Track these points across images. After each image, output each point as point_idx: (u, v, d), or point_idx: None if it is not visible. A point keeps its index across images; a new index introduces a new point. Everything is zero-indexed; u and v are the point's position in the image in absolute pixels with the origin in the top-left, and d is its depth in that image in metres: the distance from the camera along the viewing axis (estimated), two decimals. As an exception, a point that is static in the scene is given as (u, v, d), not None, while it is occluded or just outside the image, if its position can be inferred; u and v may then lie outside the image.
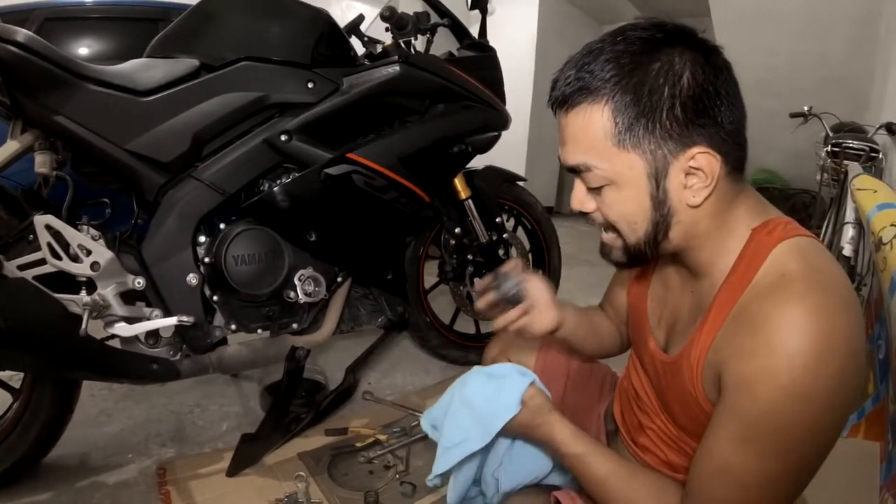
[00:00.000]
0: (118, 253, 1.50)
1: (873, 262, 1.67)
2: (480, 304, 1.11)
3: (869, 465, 1.51)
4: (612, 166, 0.78)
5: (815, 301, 0.69)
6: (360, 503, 1.58)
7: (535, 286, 1.09)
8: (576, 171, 0.83)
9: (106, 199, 1.60)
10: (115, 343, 1.56)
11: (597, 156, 0.78)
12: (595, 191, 0.83)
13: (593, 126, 0.77)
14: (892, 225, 1.49)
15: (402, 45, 1.96)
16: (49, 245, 1.41)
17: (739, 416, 0.72)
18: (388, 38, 1.98)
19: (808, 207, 4.97)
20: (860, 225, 2.30)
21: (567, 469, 0.96)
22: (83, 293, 1.45)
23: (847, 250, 2.38)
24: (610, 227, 0.85)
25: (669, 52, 0.74)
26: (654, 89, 0.74)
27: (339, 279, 1.84)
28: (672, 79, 0.74)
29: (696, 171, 0.76)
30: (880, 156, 3.29)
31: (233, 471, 1.68)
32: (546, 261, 2.71)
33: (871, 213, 1.72)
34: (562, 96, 0.80)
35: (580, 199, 0.86)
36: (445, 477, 1.06)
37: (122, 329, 1.49)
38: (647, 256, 0.86)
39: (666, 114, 0.74)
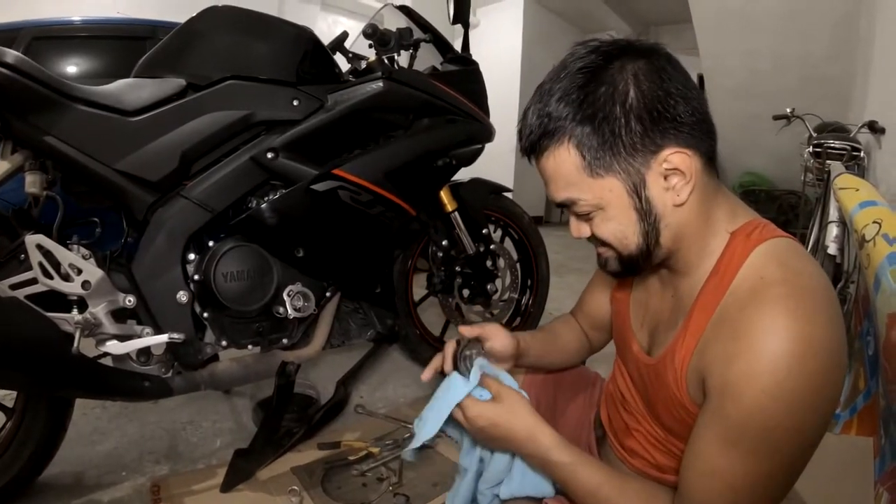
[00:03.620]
0: (109, 271, 1.51)
1: (858, 259, 1.70)
2: (426, 374, 1.12)
3: (864, 461, 1.54)
4: (594, 195, 0.82)
5: (793, 304, 0.71)
6: (354, 516, 1.58)
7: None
8: (564, 206, 0.87)
9: (96, 219, 1.60)
10: (107, 361, 1.56)
11: (577, 189, 0.83)
12: (585, 216, 0.86)
13: (565, 164, 0.81)
14: (874, 222, 1.50)
15: (386, 61, 1.98)
16: (40, 264, 1.42)
17: (725, 419, 0.74)
18: (372, 54, 2.00)
19: (795, 208, 5.01)
20: (844, 223, 2.33)
21: (555, 478, 0.95)
22: (74, 311, 1.46)
23: (832, 249, 2.41)
24: (604, 244, 0.88)
25: (611, 73, 0.78)
26: (607, 114, 0.77)
27: (328, 294, 1.85)
28: (619, 99, 0.77)
29: (672, 171, 0.79)
30: (862, 154, 3.33)
31: (226, 486, 1.69)
32: (534, 270, 2.73)
33: (853, 211, 1.74)
34: (529, 145, 0.85)
35: (576, 227, 0.90)
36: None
37: (113, 347, 1.50)
38: (640, 266, 0.88)
39: (625, 132, 0.77)
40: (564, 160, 0.81)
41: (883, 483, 1.28)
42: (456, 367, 1.05)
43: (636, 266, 0.89)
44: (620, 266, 0.90)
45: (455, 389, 0.99)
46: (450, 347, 1.08)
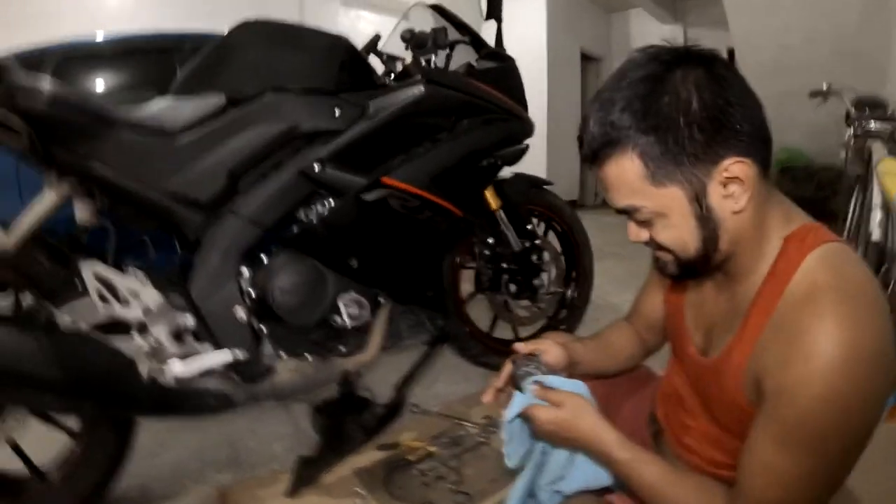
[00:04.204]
0: (166, 293, 1.53)
1: None
2: (487, 397, 1.14)
3: None
4: (655, 202, 0.84)
5: (844, 310, 0.74)
6: (418, 515, 1.60)
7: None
8: (625, 212, 0.88)
9: (147, 240, 1.62)
10: (168, 380, 1.58)
11: (639, 197, 0.84)
12: (645, 223, 0.88)
13: (627, 173, 0.83)
14: None
15: (423, 63, 1.98)
16: (98, 292, 1.44)
17: (780, 421, 0.77)
18: (407, 55, 1.99)
19: (834, 184, 4.91)
20: (887, 208, 2.29)
21: (617, 474, 0.99)
22: (136, 336, 1.48)
23: (876, 234, 2.36)
24: (664, 248, 0.89)
25: (672, 82, 0.79)
26: (670, 124, 0.78)
27: (381, 300, 1.86)
28: (682, 108, 0.78)
29: (732, 180, 0.80)
30: None
31: (292, 492, 1.72)
32: (578, 262, 2.73)
33: None
34: (592, 154, 0.86)
35: (635, 232, 0.91)
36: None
37: (176, 368, 1.51)
38: (698, 270, 0.90)
39: (688, 142, 0.78)
40: (627, 169, 0.82)
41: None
42: (516, 386, 1.08)
43: (695, 271, 0.91)
44: (679, 270, 0.91)
45: (515, 408, 1.03)
46: (507, 368, 1.12)
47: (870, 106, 3.48)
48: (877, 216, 2.38)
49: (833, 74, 3.82)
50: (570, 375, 1.14)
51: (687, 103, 0.78)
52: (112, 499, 1.69)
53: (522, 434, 1.07)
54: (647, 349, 1.31)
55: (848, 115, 3.48)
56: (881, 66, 4.73)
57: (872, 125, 3.23)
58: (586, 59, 9.28)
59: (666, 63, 0.80)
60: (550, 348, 1.13)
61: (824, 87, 3.62)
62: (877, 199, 2.41)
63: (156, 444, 2.04)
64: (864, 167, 3.01)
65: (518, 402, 1.03)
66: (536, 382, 1.04)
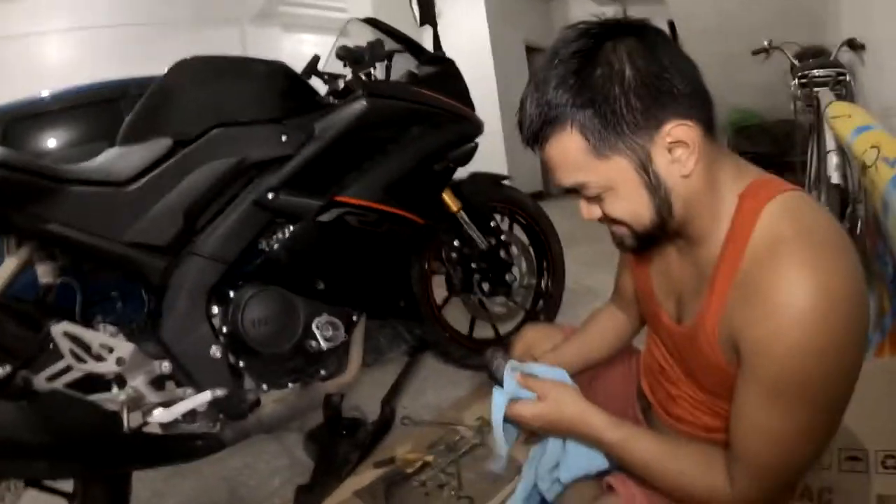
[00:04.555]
0: (139, 343, 1.51)
1: (862, 185, 1.70)
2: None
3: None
4: (601, 176, 0.83)
5: (810, 257, 0.73)
6: (424, 528, 1.60)
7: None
8: (573, 191, 0.87)
9: (115, 293, 1.61)
10: (155, 428, 1.57)
11: (584, 173, 0.83)
12: (595, 199, 0.87)
13: (570, 149, 0.82)
14: (872, 147, 1.52)
15: (363, 77, 1.98)
16: (71, 350, 1.42)
17: (761, 378, 0.76)
18: (347, 72, 1.99)
19: (790, 136, 4.97)
20: (842, 150, 2.33)
21: (611, 456, 0.98)
22: (115, 389, 1.47)
23: (835, 178, 2.39)
24: (618, 222, 0.89)
25: (604, 54, 0.78)
26: (607, 95, 0.77)
27: (355, 318, 1.85)
28: (617, 78, 0.77)
29: (676, 144, 0.79)
30: (847, 78, 3.31)
31: (295, 524, 1.70)
32: (547, 251, 2.73)
33: (849, 138, 1.75)
34: (531, 135, 0.85)
35: (587, 210, 0.90)
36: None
37: (160, 415, 1.50)
38: (656, 238, 0.89)
39: (626, 110, 0.77)
40: (569, 146, 0.81)
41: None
42: (494, 380, 1.07)
43: (653, 240, 0.90)
44: (637, 242, 0.90)
45: (498, 401, 1.02)
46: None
47: (812, 55, 3.55)
48: (833, 160, 2.41)
49: (773, 32, 3.88)
50: None
51: (620, 73, 0.77)
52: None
53: (510, 433, 1.06)
54: (637, 324, 1.30)
55: (793, 67, 3.54)
56: (819, 19, 4.80)
57: (817, 73, 3.29)
58: (531, 50, 9.26)
59: (596, 36, 0.80)
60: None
61: (766, 44, 3.68)
62: (830, 144, 2.44)
63: (153, 495, 2.02)
64: (815, 115, 3.06)
65: (499, 399, 1.02)
66: (515, 370, 1.04)
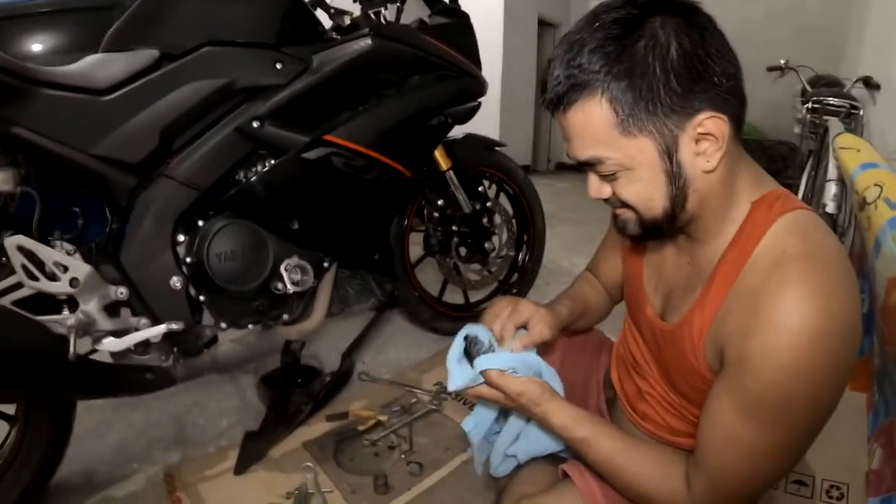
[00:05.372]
0: (96, 265, 1.42)
1: (857, 219, 1.72)
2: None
3: (858, 416, 1.61)
4: (623, 154, 0.78)
5: (815, 279, 0.71)
6: (369, 487, 1.58)
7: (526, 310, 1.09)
8: (587, 165, 0.82)
9: (77, 209, 1.51)
10: (105, 357, 1.48)
11: (605, 147, 0.78)
12: (608, 177, 0.82)
13: (595, 120, 0.76)
14: (875, 185, 1.55)
15: (372, 16, 1.89)
16: (23, 266, 1.32)
17: (743, 390, 0.75)
18: (355, 9, 1.90)
19: (786, 158, 5.07)
20: (843, 182, 2.34)
21: (574, 451, 0.98)
22: (66, 312, 1.38)
23: (830, 207, 2.45)
24: (626, 205, 0.85)
25: (650, 26, 0.73)
26: (646, 69, 0.73)
27: (326, 265, 1.79)
28: (660, 53, 0.72)
29: (705, 136, 0.76)
30: (861, 112, 3.34)
31: (240, 469, 1.67)
32: (530, 225, 2.71)
33: (854, 172, 1.79)
34: (556, 98, 0.79)
35: (596, 188, 0.85)
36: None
37: (111, 344, 1.42)
38: (662, 230, 0.86)
39: (663, 90, 0.73)
40: (595, 116, 0.76)
41: (877, 439, 1.35)
42: (467, 354, 1.04)
43: (658, 231, 0.86)
44: (641, 230, 0.87)
45: (462, 379, 1.00)
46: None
47: (826, 84, 3.60)
48: (832, 189, 2.46)
49: (791, 52, 3.94)
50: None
51: (665, 48, 0.72)
52: (56, 486, 1.62)
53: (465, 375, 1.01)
54: (612, 303, 1.31)
55: (804, 91, 3.58)
56: (838, 47, 4.85)
57: (832, 101, 3.33)
58: (543, 24, 9.12)
59: (643, 6, 0.75)
60: (537, 326, 1.08)
61: (782, 63, 3.73)
62: (832, 173, 2.47)
63: (100, 424, 1.95)
64: (819, 142, 3.11)
65: (468, 375, 0.99)
66: (488, 353, 1.01)
